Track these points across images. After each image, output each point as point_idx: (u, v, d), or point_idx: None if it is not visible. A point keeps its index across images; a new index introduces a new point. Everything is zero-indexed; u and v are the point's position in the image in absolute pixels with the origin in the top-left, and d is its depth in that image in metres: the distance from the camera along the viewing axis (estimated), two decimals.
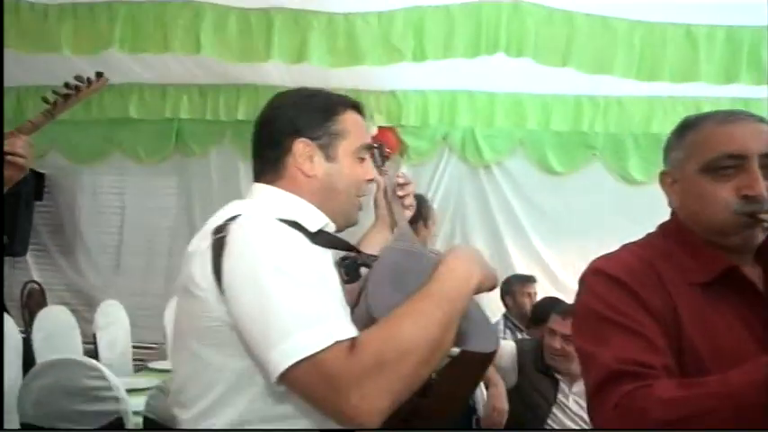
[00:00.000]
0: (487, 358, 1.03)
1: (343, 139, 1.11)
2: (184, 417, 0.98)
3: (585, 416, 2.59)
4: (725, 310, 1.00)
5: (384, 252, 1.13)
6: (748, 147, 1.01)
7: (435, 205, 4.76)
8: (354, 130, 1.13)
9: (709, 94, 4.27)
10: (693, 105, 4.49)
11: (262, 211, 1.00)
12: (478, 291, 0.97)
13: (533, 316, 3.32)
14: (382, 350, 0.83)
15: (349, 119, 1.13)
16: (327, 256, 1.05)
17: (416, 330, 0.86)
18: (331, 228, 1.12)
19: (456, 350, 0.94)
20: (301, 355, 0.83)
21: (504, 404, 2.53)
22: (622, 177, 4.70)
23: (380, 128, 4.61)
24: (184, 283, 0.98)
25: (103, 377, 2.10)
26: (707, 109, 3.89)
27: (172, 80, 4.50)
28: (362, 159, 1.14)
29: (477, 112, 4.54)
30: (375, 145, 1.21)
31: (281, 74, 4.11)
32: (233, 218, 0.96)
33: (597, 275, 1.08)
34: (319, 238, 1.03)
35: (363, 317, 0.93)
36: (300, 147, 1.09)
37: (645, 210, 4.65)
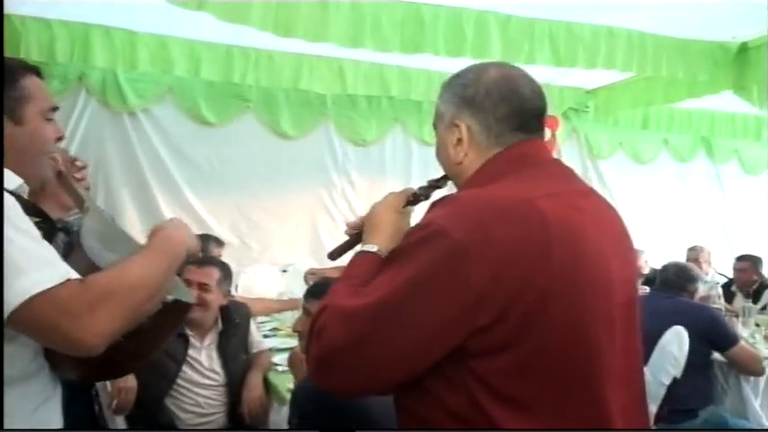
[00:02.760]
0: (187, 308, 1.23)
1: (27, 102, 1.14)
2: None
3: (218, 368, 2.60)
4: None
5: (87, 220, 1.23)
6: None
7: (73, 151, 4.23)
8: (38, 93, 1.17)
9: (347, 56, 4.61)
10: (336, 65, 4.82)
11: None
12: (188, 252, 1.18)
13: None
14: (112, 284, 0.99)
15: (31, 83, 1.16)
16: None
17: (144, 272, 1.04)
18: (24, 190, 1.14)
19: (170, 298, 1.12)
20: (37, 290, 0.92)
21: (127, 382, 2.35)
22: (274, 131, 4.82)
23: None
24: None
25: None
26: (349, 71, 4.23)
27: None
28: (50, 120, 1.19)
29: (117, 52, 4.08)
30: (57, 106, 1.23)
31: None
32: None
33: None
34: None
35: (80, 270, 1.01)
36: None
37: (294, 163, 5.02)
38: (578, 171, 5.07)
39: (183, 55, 4.23)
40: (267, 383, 2.65)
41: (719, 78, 3.97)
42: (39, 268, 0.94)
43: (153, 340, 1.19)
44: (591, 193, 1.09)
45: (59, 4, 3.69)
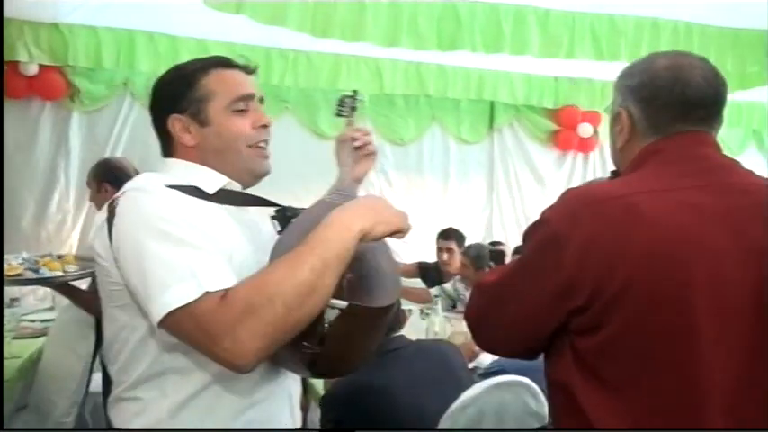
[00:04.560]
0: (379, 312, 1.03)
1: (208, 101, 1.12)
2: (112, 372, 1.10)
3: None
4: None
5: (313, 204, 1.18)
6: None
7: (119, 154, 4.35)
8: (220, 88, 1.13)
9: (386, 56, 4.62)
10: (374, 65, 4.84)
11: (153, 181, 1.06)
12: (368, 237, 0.98)
13: None
14: (251, 296, 0.91)
15: (212, 79, 1.13)
16: (221, 214, 1.08)
17: (285, 275, 0.92)
18: (236, 186, 1.15)
19: (343, 303, 0.96)
20: (175, 306, 0.91)
21: None
22: (312, 131, 4.85)
23: (42, 66, 3.99)
24: (93, 253, 1.07)
25: None
26: (386, 70, 4.25)
27: None
28: (241, 111, 1.13)
29: (160, 57, 4.18)
30: (251, 94, 1.16)
31: None
32: (125, 190, 1.04)
33: None
34: (220, 197, 1.10)
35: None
36: (174, 123, 1.13)
37: (333, 163, 5.03)
38: None
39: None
40: (305, 383, 2.66)
41: None
42: (181, 279, 0.92)
43: (346, 346, 1.03)
44: (734, 190, 1.01)
45: (106, 11, 3.80)
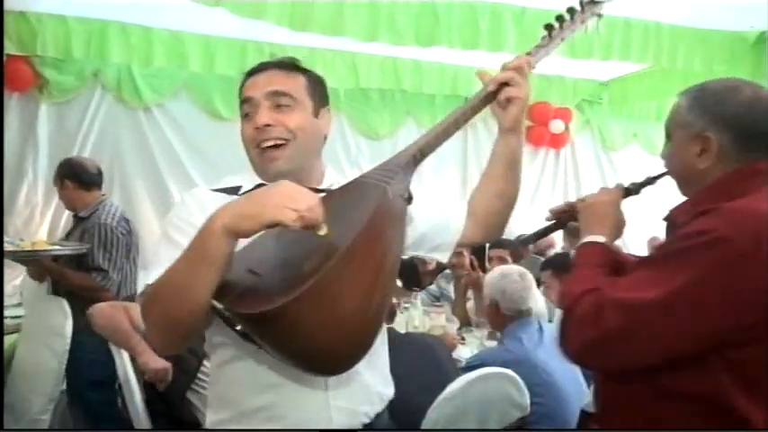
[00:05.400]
0: (250, 317, 0.90)
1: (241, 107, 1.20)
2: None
3: None
4: None
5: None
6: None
7: (88, 149, 4.28)
8: (242, 93, 1.18)
9: (362, 50, 4.62)
10: (350, 59, 4.83)
11: (196, 189, 1.22)
12: (237, 229, 0.91)
13: None
14: (148, 294, 1.02)
15: (244, 87, 1.19)
16: None
17: (164, 277, 0.97)
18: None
19: (218, 305, 0.93)
20: (138, 289, 1.07)
21: (158, 363, 2.37)
22: None
23: (9, 56, 3.88)
24: None
25: None
26: (362, 65, 4.24)
27: None
28: (246, 115, 1.17)
29: (132, 48, 4.10)
30: (250, 98, 1.17)
31: None
32: None
33: None
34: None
35: None
36: None
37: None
38: (591, 163, 5.10)
39: (197, 50, 4.25)
40: None
41: (737, 69, 3.92)
42: (150, 267, 1.06)
43: (275, 344, 0.98)
44: None
45: (75, 0, 3.71)
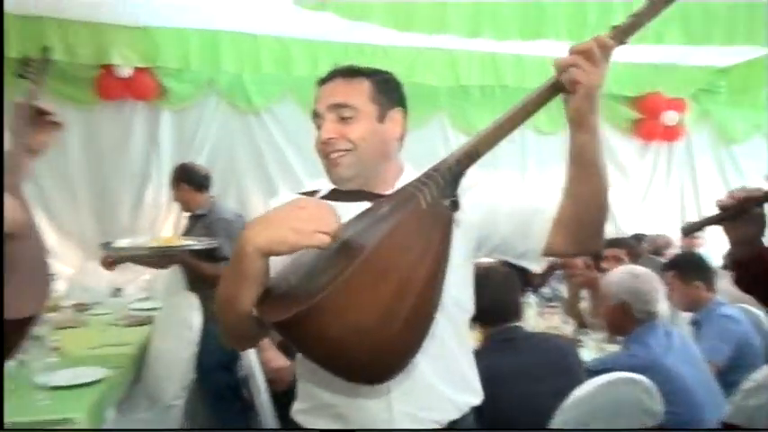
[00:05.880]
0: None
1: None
2: None
3: None
4: None
5: None
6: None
7: (205, 152, 4.52)
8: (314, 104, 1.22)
9: (462, 47, 4.59)
10: (449, 57, 4.82)
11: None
12: (271, 252, 0.96)
13: None
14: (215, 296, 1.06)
15: (315, 98, 1.22)
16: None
17: (220, 285, 1.03)
18: (344, 188, 1.22)
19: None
20: None
21: (278, 361, 2.46)
22: None
23: (136, 69, 4.18)
24: None
25: None
26: (462, 61, 4.25)
27: None
28: (318, 126, 1.20)
29: (243, 56, 4.32)
30: (315, 111, 1.21)
31: None
32: None
33: None
34: (331, 196, 1.19)
35: None
36: None
37: (409, 156, 5.06)
38: (709, 157, 4.74)
39: (302, 55, 4.40)
40: None
41: None
42: None
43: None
44: None
45: (193, 13, 3.93)
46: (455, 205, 1.04)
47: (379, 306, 0.91)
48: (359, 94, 1.19)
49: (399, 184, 1.20)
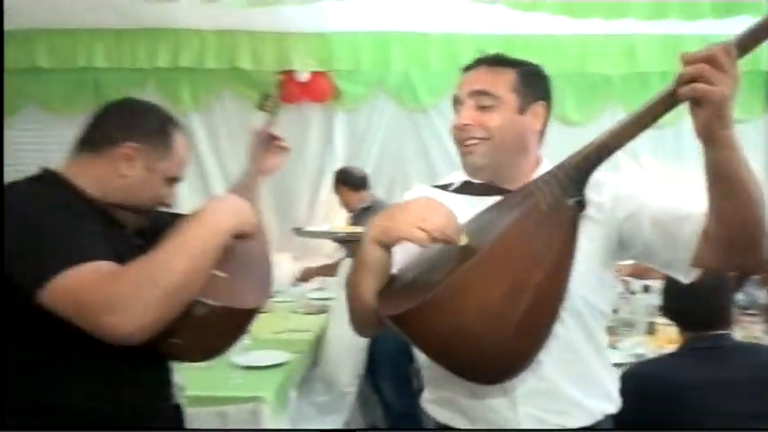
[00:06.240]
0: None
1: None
2: None
3: None
4: None
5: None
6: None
7: (375, 151, 4.70)
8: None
9: (641, 30, 4.27)
10: (626, 43, 4.51)
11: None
12: (380, 242, 1.03)
13: None
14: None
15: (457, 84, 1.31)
16: (457, 201, 1.21)
17: (349, 273, 1.07)
18: (476, 178, 1.26)
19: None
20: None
21: None
22: (559, 118, 4.69)
23: (313, 73, 4.46)
24: None
25: None
26: (640, 47, 3.97)
27: (82, 25, 4.19)
28: (457, 112, 1.25)
29: (411, 54, 4.41)
30: (456, 96, 1.26)
31: (198, 16, 3.89)
32: None
33: None
34: (462, 190, 1.26)
35: None
36: None
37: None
38: None
39: (469, 50, 4.36)
40: None
41: None
42: None
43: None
44: None
45: (364, 15, 4.10)
46: (581, 205, 0.99)
47: (489, 309, 0.89)
48: (502, 84, 1.18)
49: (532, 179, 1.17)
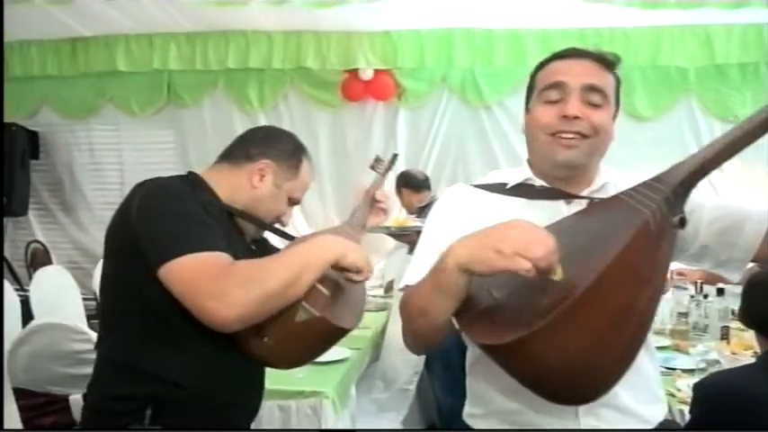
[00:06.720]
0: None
1: (532, 92, 1.24)
2: None
3: None
4: None
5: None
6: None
7: (437, 149, 4.68)
8: (541, 77, 1.21)
9: (720, 20, 4.06)
10: (703, 34, 4.30)
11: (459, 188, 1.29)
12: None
13: None
14: (403, 297, 1.11)
15: (544, 71, 1.22)
16: (513, 205, 1.21)
17: (413, 292, 1.06)
18: (556, 175, 1.23)
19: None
20: (401, 284, 1.21)
21: None
22: (628, 113, 4.53)
23: (376, 71, 4.48)
24: None
25: (90, 340, 2.09)
26: (718, 38, 3.77)
27: (157, 29, 4.38)
28: (551, 101, 1.18)
29: (476, 51, 4.37)
30: (559, 83, 1.16)
31: (267, 17, 3.98)
32: None
33: None
34: (518, 191, 1.22)
35: None
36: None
37: (650, 146, 4.65)
38: None
39: (536, 44, 4.29)
40: None
41: None
42: (410, 266, 1.20)
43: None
44: None
45: (428, 13, 4.09)
46: (683, 223, 0.94)
47: (598, 338, 0.86)
48: (609, 84, 1.15)
49: (595, 184, 1.16)
